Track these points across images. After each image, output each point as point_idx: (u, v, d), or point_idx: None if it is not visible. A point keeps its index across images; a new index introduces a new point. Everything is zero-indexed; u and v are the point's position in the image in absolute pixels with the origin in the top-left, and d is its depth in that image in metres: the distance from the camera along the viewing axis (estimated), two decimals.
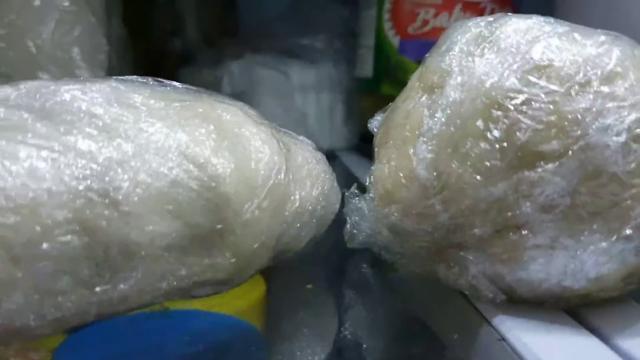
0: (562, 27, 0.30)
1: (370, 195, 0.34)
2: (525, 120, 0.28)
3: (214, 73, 0.64)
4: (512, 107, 0.28)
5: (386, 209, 0.32)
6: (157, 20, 0.70)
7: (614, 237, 0.28)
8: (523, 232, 0.28)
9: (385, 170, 0.32)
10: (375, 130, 0.36)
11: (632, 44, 0.30)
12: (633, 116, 0.28)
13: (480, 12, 0.63)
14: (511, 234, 0.29)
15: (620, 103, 0.28)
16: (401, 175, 0.31)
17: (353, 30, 0.70)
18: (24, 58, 0.51)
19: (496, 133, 0.28)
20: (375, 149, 0.34)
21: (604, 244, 0.28)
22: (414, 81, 0.33)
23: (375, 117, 0.37)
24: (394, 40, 0.66)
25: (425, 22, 0.63)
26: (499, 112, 0.28)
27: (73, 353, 0.30)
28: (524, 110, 0.28)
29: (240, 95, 0.62)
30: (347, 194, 0.35)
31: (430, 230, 0.30)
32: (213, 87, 0.64)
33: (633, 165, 0.28)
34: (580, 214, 0.28)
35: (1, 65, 0.50)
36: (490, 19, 0.32)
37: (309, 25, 0.70)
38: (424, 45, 0.63)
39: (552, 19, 0.31)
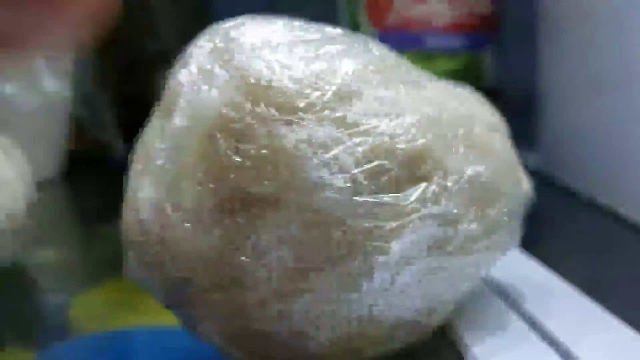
0: (305, 35, 0.24)
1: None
2: (235, 156, 0.22)
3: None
4: (222, 141, 0.23)
5: (129, 251, 0.27)
6: (131, 24, 0.67)
7: (351, 291, 0.23)
8: (245, 289, 0.23)
9: (125, 204, 0.27)
10: None
11: (382, 51, 0.24)
12: (366, 146, 0.22)
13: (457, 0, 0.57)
14: (234, 291, 0.23)
15: (350, 130, 0.22)
16: (133, 214, 0.26)
17: (331, 24, 0.65)
18: None
19: (206, 170, 0.23)
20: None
21: (339, 301, 0.23)
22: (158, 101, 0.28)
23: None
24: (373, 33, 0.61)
25: (402, 13, 0.57)
26: (211, 146, 0.23)
27: None
28: (235, 144, 0.22)
29: None
30: None
31: (161, 283, 0.25)
32: None
33: (364, 207, 0.22)
34: (307, 267, 0.22)
35: None
36: (233, 24, 0.26)
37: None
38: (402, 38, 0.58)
39: (300, 24, 0.25)
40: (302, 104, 0.22)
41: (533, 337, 0.27)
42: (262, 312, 0.23)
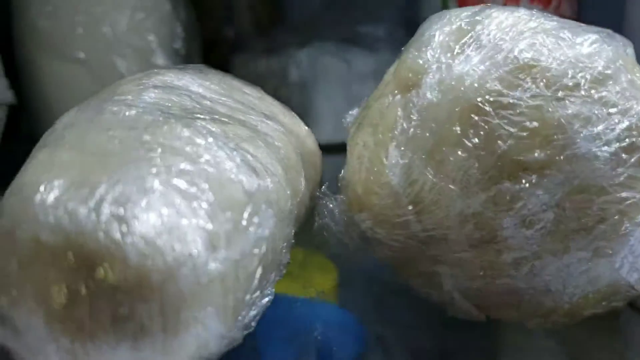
0: (549, 23, 0.26)
1: (342, 197, 0.30)
2: (507, 126, 0.24)
3: (277, 60, 0.60)
4: (492, 112, 0.24)
5: (357, 215, 0.28)
6: (209, 7, 0.67)
7: (600, 255, 0.25)
8: (502, 248, 0.25)
9: (356, 172, 0.28)
10: (348, 126, 0.32)
11: (625, 42, 0.26)
12: (624, 123, 0.24)
13: (548, 3, 0.58)
14: (489, 249, 0.25)
15: (610, 109, 0.24)
16: (372, 179, 0.27)
17: (414, 19, 0.65)
18: (101, 44, 0.49)
19: (474, 140, 0.24)
20: (348, 148, 0.30)
21: (589, 263, 0.25)
22: (389, 76, 0.29)
23: (349, 112, 0.33)
24: None
25: None
26: (478, 117, 0.25)
27: None
28: (505, 115, 0.24)
29: (305, 83, 0.59)
30: (318, 193, 0.31)
31: (403, 240, 0.27)
32: (270, 75, 0.60)
33: (623, 177, 0.24)
34: (564, 230, 0.24)
35: (79, 51, 0.49)
36: (474, 9, 0.28)
37: (366, 13, 0.65)
38: None
39: (540, 13, 0.27)
40: (569, 83, 0.24)
41: None
42: (515, 270, 0.25)
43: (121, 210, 0.19)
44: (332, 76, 0.62)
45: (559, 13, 0.59)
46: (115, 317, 0.18)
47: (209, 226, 0.20)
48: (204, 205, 0.20)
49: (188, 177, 0.21)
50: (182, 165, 0.21)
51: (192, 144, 0.22)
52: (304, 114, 0.63)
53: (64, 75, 0.52)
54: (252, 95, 0.31)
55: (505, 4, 0.58)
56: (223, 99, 0.28)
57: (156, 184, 0.20)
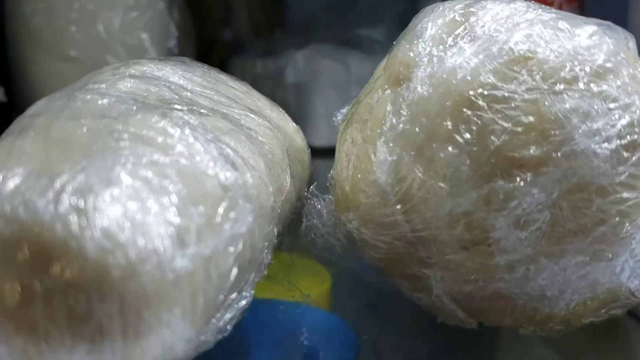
0: (547, 14, 0.25)
1: (330, 197, 0.28)
2: (501, 121, 0.22)
3: (275, 62, 0.58)
4: (485, 106, 0.23)
5: (344, 214, 0.27)
6: (208, 9, 0.66)
7: (599, 259, 0.23)
8: (494, 250, 0.23)
9: (344, 170, 0.27)
10: (338, 124, 0.30)
11: (627, 35, 0.24)
12: (626, 119, 0.22)
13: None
14: (481, 252, 0.23)
15: (611, 104, 0.23)
16: (360, 177, 0.25)
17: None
18: (93, 42, 0.48)
19: (466, 135, 0.23)
20: (337, 145, 0.29)
21: (587, 267, 0.23)
22: (379, 71, 0.28)
23: (340, 110, 0.31)
24: None
25: None
26: (470, 111, 0.23)
27: None
28: (499, 109, 0.23)
29: (302, 85, 0.58)
30: (306, 193, 0.30)
31: (390, 242, 0.25)
32: (268, 77, 0.59)
33: (624, 176, 0.22)
34: (561, 231, 0.23)
35: (71, 49, 0.48)
36: (469, 1, 0.26)
37: (365, 16, 0.64)
38: None
39: (538, 5, 0.25)
40: (568, 76, 0.22)
41: None
42: (508, 274, 0.23)
43: (81, 202, 0.17)
44: (330, 79, 0.61)
45: None
46: (72, 317, 0.17)
47: (178, 220, 0.18)
48: (174, 198, 0.19)
49: (158, 169, 0.19)
50: (153, 156, 0.20)
51: (166, 135, 0.21)
52: (301, 116, 0.61)
53: (56, 73, 0.51)
54: (238, 89, 0.30)
55: None
56: (206, 91, 0.27)
57: (122, 175, 0.18)
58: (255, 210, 0.22)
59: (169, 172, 0.19)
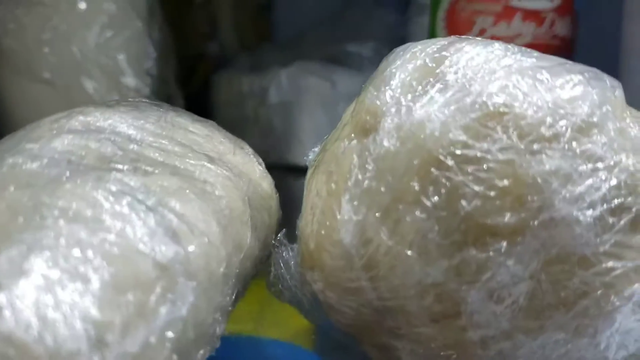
0: (527, 60, 0.22)
1: (298, 247, 0.26)
2: (472, 184, 0.20)
3: (259, 80, 0.56)
4: (455, 166, 0.20)
5: (309, 273, 0.24)
6: (193, 24, 0.64)
7: (582, 335, 0.21)
8: (467, 324, 0.21)
9: (309, 224, 0.24)
10: (310, 165, 0.28)
11: (614, 83, 0.22)
12: (613, 181, 0.20)
13: (541, 22, 0.54)
14: (452, 325, 0.21)
15: (595, 164, 0.20)
16: (324, 234, 0.23)
17: (402, 38, 0.61)
18: (68, 64, 0.46)
19: (435, 198, 0.21)
20: (304, 192, 0.27)
21: (568, 345, 0.21)
22: (347, 117, 0.25)
23: (312, 150, 0.29)
24: None
25: (483, 31, 0.55)
26: (439, 171, 0.21)
27: None
28: (470, 171, 0.20)
29: (287, 104, 0.56)
30: (274, 242, 0.28)
31: (357, 308, 0.23)
32: (254, 94, 0.57)
33: (608, 245, 0.20)
34: (540, 305, 0.20)
35: (44, 70, 0.46)
36: (443, 42, 0.24)
37: (353, 31, 0.62)
38: None
39: (518, 48, 0.23)
40: (547, 133, 0.20)
41: None
42: (483, 351, 0.21)
43: None
44: (317, 96, 0.59)
45: (552, 32, 0.55)
46: None
47: (98, 316, 0.16)
48: (95, 287, 0.16)
49: (81, 252, 0.17)
50: (78, 236, 0.17)
51: (97, 206, 0.18)
52: (287, 134, 0.59)
53: (30, 96, 0.49)
54: (199, 133, 0.27)
55: (496, 23, 0.54)
56: (159, 140, 0.24)
57: (37, 264, 0.16)
58: (201, 284, 0.20)
59: (92, 256, 0.17)
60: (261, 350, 0.31)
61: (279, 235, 0.27)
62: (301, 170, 0.31)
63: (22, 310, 0.15)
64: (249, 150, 0.30)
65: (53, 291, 0.16)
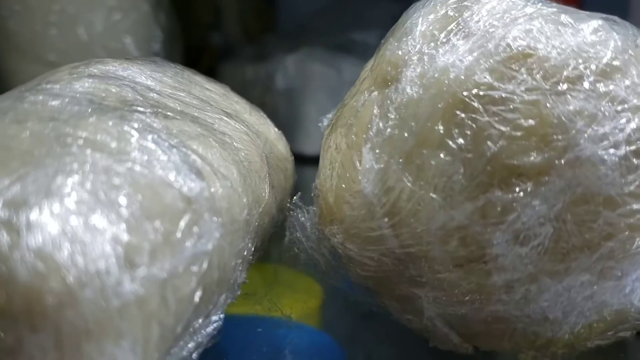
0: (548, 8, 0.22)
1: (314, 208, 0.26)
2: (498, 125, 0.20)
3: (264, 67, 0.56)
4: (481, 108, 0.20)
5: (328, 228, 0.24)
6: (197, 13, 0.64)
7: (607, 278, 0.20)
8: (491, 268, 0.20)
9: (328, 179, 0.24)
10: (324, 129, 0.28)
11: (635, 31, 0.22)
12: (635, 123, 0.20)
13: None
14: (476, 270, 0.21)
15: (619, 106, 0.20)
16: (344, 187, 0.23)
17: None
18: (74, 46, 0.45)
19: (460, 140, 0.20)
20: (321, 151, 0.26)
21: (594, 287, 0.20)
22: (366, 72, 0.25)
23: (326, 116, 0.29)
24: None
25: None
26: (464, 114, 0.20)
27: None
28: (496, 111, 0.20)
29: (292, 91, 0.55)
30: (288, 204, 0.27)
31: (378, 258, 0.22)
32: (259, 83, 0.57)
33: (633, 186, 0.20)
34: (565, 247, 0.20)
35: (50, 53, 0.45)
36: None
37: (358, 19, 0.62)
38: None
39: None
40: (571, 75, 0.20)
41: None
42: (507, 295, 0.21)
43: (13, 216, 0.15)
44: (322, 84, 0.58)
45: None
46: None
47: (127, 238, 0.16)
48: (124, 212, 0.16)
49: (108, 178, 0.17)
50: (104, 164, 0.17)
51: (121, 140, 0.18)
52: (292, 123, 0.59)
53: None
54: (215, 91, 0.27)
55: None
56: (177, 93, 0.24)
57: (64, 185, 0.16)
58: (224, 225, 0.19)
59: (120, 182, 0.17)
60: (270, 331, 0.30)
61: (294, 198, 0.27)
62: (307, 158, 0.30)
63: (51, 227, 0.15)
64: (263, 114, 0.29)
65: (81, 211, 0.15)
